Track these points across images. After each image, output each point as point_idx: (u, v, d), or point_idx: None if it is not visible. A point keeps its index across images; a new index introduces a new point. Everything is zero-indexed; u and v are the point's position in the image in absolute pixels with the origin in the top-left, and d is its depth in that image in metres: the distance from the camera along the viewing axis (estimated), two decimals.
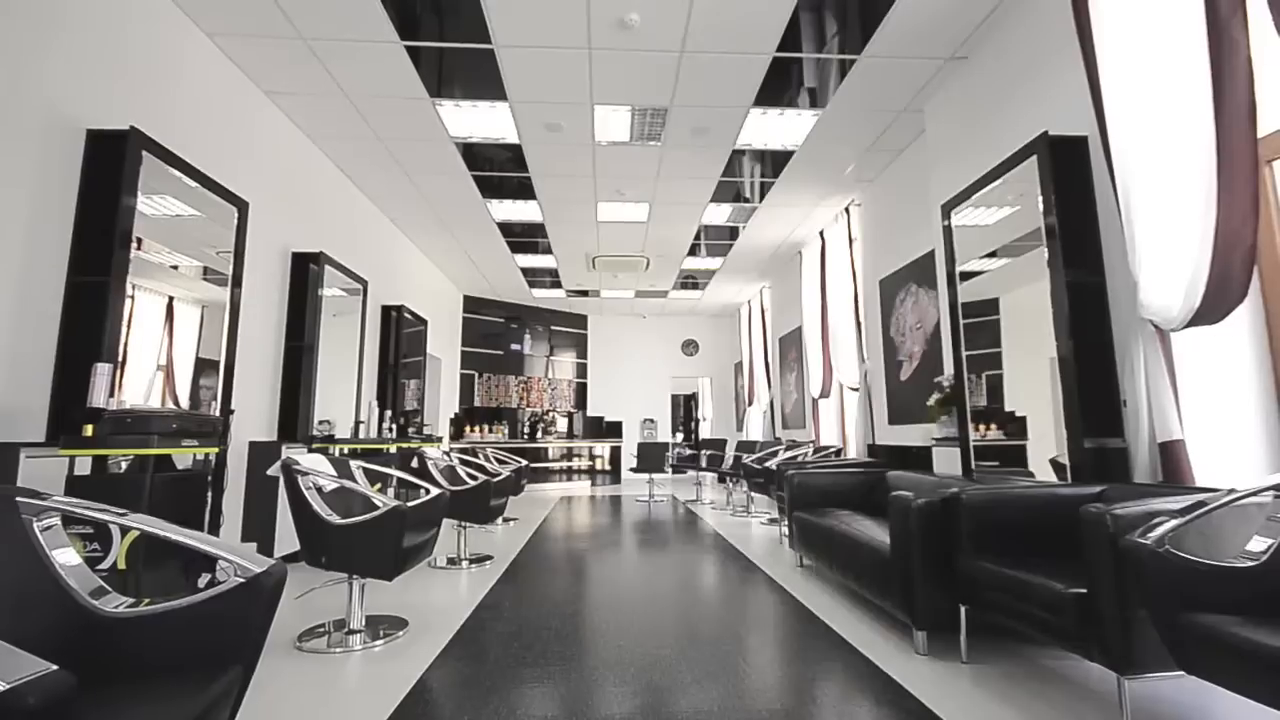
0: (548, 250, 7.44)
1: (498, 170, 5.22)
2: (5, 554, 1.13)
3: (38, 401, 2.46)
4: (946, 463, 3.69)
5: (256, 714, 1.81)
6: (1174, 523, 1.52)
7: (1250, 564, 1.52)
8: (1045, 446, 2.85)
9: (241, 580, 1.17)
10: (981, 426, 3.29)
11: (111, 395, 2.43)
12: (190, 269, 3.21)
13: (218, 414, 3.22)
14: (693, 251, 7.56)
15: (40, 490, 1.26)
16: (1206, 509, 1.53)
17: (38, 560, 1.16)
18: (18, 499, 1.18)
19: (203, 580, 2.63)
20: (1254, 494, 1.56)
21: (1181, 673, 1.49)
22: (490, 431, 9.54)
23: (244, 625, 1.15)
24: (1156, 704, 1.88)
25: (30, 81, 2.44)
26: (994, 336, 3.29)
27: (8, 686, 0.69)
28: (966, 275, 3.44)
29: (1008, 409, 3.15)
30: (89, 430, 2.12)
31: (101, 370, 2.25)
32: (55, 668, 0.73)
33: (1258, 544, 1.59)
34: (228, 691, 1.10)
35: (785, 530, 4.05)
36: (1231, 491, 1.63)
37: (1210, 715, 1.82)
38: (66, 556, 1.19)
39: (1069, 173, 2.73)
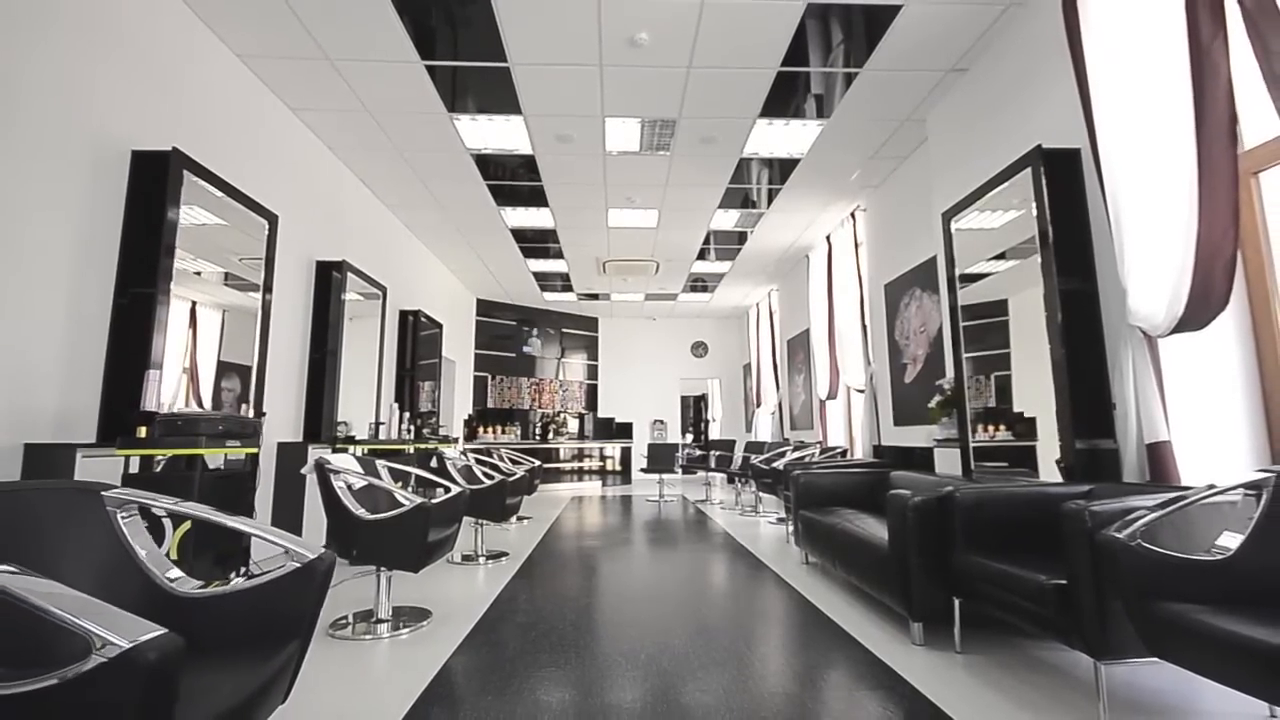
0: (559, 255, 7.60)
1: (511, 179, 5.38)
2: (95, 542, 1.30)
3: (89, 405, 2.65)
4: (948, 463, 3.80)
5: (301, 692, 1.96)
6: (1147, 518, 1.64)
7: (1219, 557, 1.64)
8: (1054, 447, 2.86)
9: (298, 565, 1.32)
10: (990, 427, 3.35)
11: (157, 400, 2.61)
12: (212, 275, 3.34)
13: (251, 416, 3.39)
14: (701, 255, 7.69)
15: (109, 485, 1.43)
16: (1176, 506, 1.65)
17: (121, 547, 1.32)
18: (102, 494, 1.34)
19: (240, 571, 2.81)
20: (1221, 492, 1.67)
21: (1156, 659, 1.60)
22: (503, 433, 9.72)
23: (301, 604, 1.30)
24: (1138, 691, 1.98)
25: (81, 107, 2.63)
26: (1003, 337, 3.34)
27: (131, 645, 0.84)
28: (975, 277, 3.52)
29: (1017, 410, 3.21)
30: (142, 432, 2.30)
31: (153, 377, 2.43)
32: (167, 630, 0.88)
33: (1230, 539, 1.71)
34: (288, 662, 1.26)
35: (791, 529, 4.17)
36: (1208, 488, 1.74)
37: (1187, 699, 1.93)
38: (145, 544, 1.35)
39: (1062, 184, 2.84)
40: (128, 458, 2.36)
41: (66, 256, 2.56)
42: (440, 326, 7.29)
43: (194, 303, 3.21)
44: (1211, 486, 1.79)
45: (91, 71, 2.67)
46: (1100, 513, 1.71)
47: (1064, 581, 1.78)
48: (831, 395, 6.54)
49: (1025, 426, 3.13)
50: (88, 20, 2.64)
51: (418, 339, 6.32)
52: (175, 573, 1.36)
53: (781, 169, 5.22)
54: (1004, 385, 3.32)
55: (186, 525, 2.14)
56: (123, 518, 1.34)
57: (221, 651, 1.21)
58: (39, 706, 0.83)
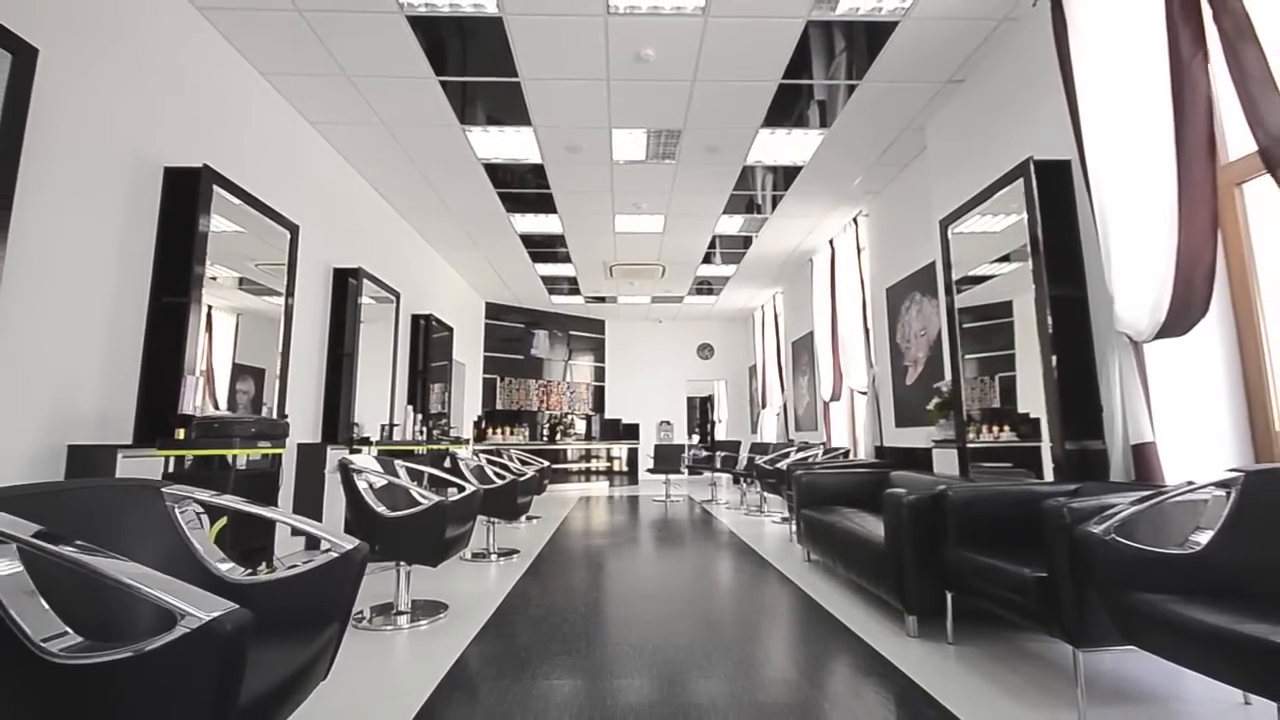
0: (567, 259, 7.74)
1: (521, 187, 5.53)
2: (157, 533, 1.44)
3: (125, 408, 2.81)
4: (946, 463, 3.90)
5: (331, 677, 2.10)
6: (1122, 514, 1.75)
7: (1190, 551, 1.75)
8: None
9: (336, 555, 1.46)
10: (995, 428, 3.41)
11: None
12: (227, 279, 3.41)
13: (275, 418, 3.54)
14: (707, 259, 7.81)
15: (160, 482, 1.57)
16: (1150, 503, 1.76)
17: (179, 538, 1.46)
18: (162, 490, 1.49)
19: (266, 565, 2.96)
20: (1191, 490, 1.79)
21: (1131, 646, 1.71)
22: (511, 434, 9.87)
23: (340, 590, 1.44)
24: (1123, 680, 2.09)
25: (122, 128, 2.79)
26: (1008, 338, 3.38)
27: (211, 617, 0.97)
28: (979, 279, 3.58)
29: (1021, 410, 3.25)
30: (181, 434, 2.45)
31: (190, 383, 2.58)
32: (238, 606, 1.01)
33: (1200, 535, 1.81)
34: (330, 642, 1.39)
35: (794, 528, 4.28)
36: (1181, 486, 1.85)
37: (1167, 688, 2.03)
38: (199, 536, 1.49)
39: (1053, 194, 2.95)
40: (167, 458, 2.51)
41: (106, 269, 2.72)
42: (451, 330, 7.45)
43: (210, 306, 3.29)
44: (1190, 483, 1.91)
45: (126, 93, 2.82)
46: (1079, 509, 1.82)
47: (1045, 574, 1.89)
48: (835, 397, 6.65)
49: (1030, 427, 3.16)
50: (120, 40, 2.80)
51: (429, 342, 6.48)
52: (226, 564, 1.50)
53: (784, 176, 5.34)
54: (1009, 386, 3.37)
55: (223, 521, 2.28)
56: (180, 512, 1.48)
57: (273, 631, 1.34)
58: (133, 671, 0.96)
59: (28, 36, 2.25)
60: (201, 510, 1.85)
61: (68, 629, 1.07)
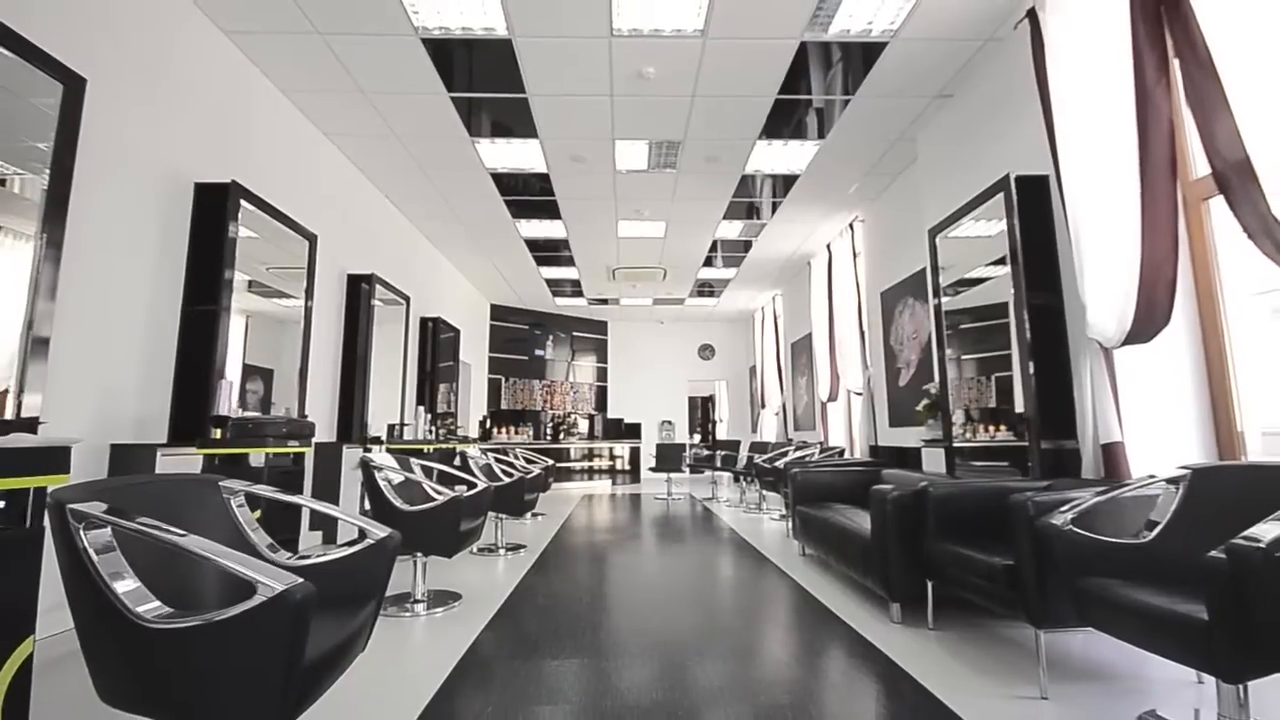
0: (570, 263, 7.93)
1: (527, 194, 5.71)
2: (216, 521, 1.63)
3: (161, 410, 3.00)
4: (935, 462, 4.08)
5: (359, 657, 2.29)
6: (1080, 507, 1.93)
7: (1141, 540, 1.92)
8: None
9: (372, 542, 1.64)
10: (990, 427, 3.54)
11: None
12: (238, 283, 3.46)
13: (297, 418, 3.73)
14: (708, 263, 7.99)
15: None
16: (1105, 496, 1.95)
17: (234, 526, 1.65)
18: (220, 483, 1.67)
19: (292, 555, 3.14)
20: (1143, 485, 1.96)
21: (1086, 627, 1.89)
22: (516, 433, 10.05)
23: (376, 572, 1.62)
24: (1092, 663, 2.27)
25: (156, 146, 2.98)
26: (1004, 339, 3.46)
27: (285, 587, 1.16)
28: (975, 281, 3.70)
29: (1018, 410, 3.31)
30: (217, 434, 2.64)
31: (224, 386, 2.77)
32: (303, 580, 1.20)
33: (1152, 526, 1.99)
34: (369, 618, 1.58)
35: (791, 524, 4.46)
36: (1140, 481, 2.03)
37: (1129, 670, 2.21)
38: (251, 525, 1.68)
39: (1032, 207, 3.12)
40: (206, 456, 2.70)
41: (144, 279, 2.91)
42: (457, 331, 7.63)
43: None
44: (1150, 478, 2.09)
45: (161, 113, 3.02)
46: (1042, 502, 2.00)
47: (1011, 562, 2.07)
48: (832, 397, 6.82)
49: (1026, 426, 3.19)
50: (155, 65, 2.99)
51: (437, 343, 6.67)
52: (276, 550, 1.68)
53: (783, 183, 5.51)
54: (1005, 386, 3.45)
55: (258, 513, 2.47)
56: (235, 504, 1.67)
57: (323, 607, 1.52)
58: (219, 633, 1.15)
59: (77, 68, 2.44)
60: (243, 503, 2.04)
61: (155, 599, 1.26)
